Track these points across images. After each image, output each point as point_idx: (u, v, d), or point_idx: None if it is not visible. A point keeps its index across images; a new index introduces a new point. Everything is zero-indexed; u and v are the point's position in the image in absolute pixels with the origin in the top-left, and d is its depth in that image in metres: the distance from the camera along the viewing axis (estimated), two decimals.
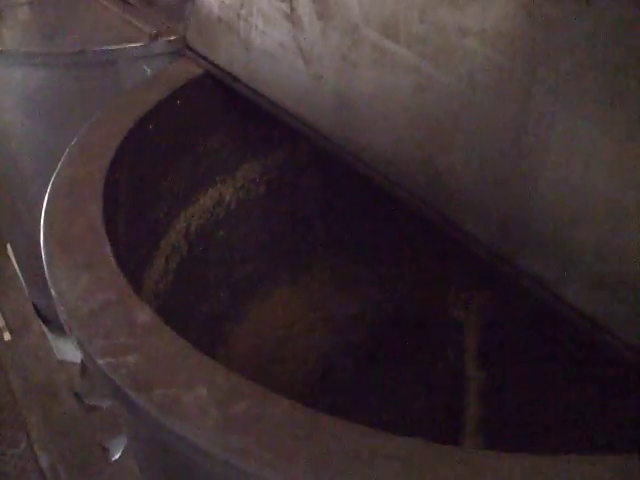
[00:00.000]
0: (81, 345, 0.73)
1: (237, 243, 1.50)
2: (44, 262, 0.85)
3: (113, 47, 1.51)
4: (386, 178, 0.90)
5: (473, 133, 0.75)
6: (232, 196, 1.45)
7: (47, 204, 0.95)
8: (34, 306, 2.43)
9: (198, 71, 1.27)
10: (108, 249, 0.85)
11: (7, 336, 2.31)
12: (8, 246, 2.60)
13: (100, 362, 0.70)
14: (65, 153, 1.05)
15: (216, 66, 1.22)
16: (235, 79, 1.18)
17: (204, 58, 1.26)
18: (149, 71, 1.50)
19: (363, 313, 1.58)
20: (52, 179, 1.00)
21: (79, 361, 1.97)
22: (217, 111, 1.33)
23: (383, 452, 0.59)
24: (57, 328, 2.28)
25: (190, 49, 1.30)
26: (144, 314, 0.75)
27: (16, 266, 2.57)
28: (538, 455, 0.57)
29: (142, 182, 1.14)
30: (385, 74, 0.85)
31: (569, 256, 0.70)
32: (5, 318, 2.36)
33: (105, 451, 1.64)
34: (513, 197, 0.73)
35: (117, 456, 1.68)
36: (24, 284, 2.51)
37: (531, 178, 0.70)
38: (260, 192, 1.51)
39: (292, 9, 0.97)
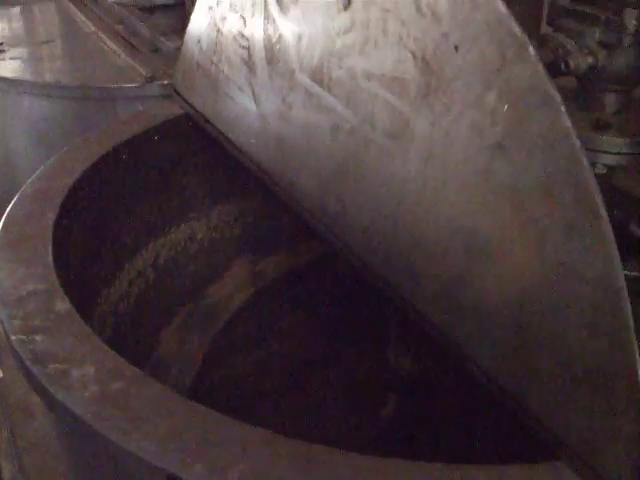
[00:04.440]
0: (2, 324, 0.81)
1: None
2: None
3: (111, 85, 1.65)
4: (311, 215, 0.98)
5: (371, 171, 0.83)
6: (205, 234, 1.53)
7: (10, 209, 1.05)
8: None
9: (179, 112, 1.38)
10: (49, 250, 0.94)
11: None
12: None
13: (12, 338, 0.78)
14: (38, 171, 1.15)
15: (193, 107, 1.33)
16: (206, 120, 1.28)
17: (185, 101, 1.37)
18: None
19: None
20: (21, 190, 1.10)
21: None
22: (196, 152, 1.43)
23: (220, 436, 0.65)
24: None
25: (176, 92, 1.41)
26: (62, 304, 0.83)
27: None
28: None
29: (108, 204, 1.23)
30: (311, 115, 0.94)
31: (433, 281, 0.77)
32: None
33: None
34: (395, 226, 0.80)
35: None
36: None
37: (410, 207, 0.78)
38: (234, 234, 1.59)
39: (250, 55, 1.08)
